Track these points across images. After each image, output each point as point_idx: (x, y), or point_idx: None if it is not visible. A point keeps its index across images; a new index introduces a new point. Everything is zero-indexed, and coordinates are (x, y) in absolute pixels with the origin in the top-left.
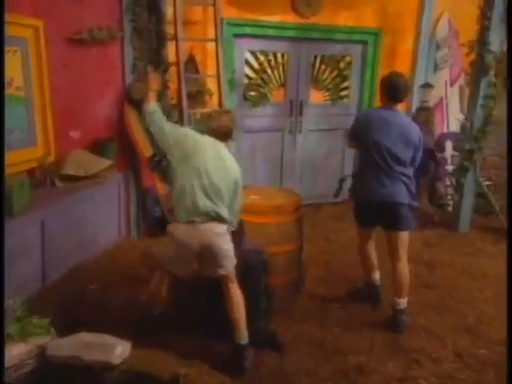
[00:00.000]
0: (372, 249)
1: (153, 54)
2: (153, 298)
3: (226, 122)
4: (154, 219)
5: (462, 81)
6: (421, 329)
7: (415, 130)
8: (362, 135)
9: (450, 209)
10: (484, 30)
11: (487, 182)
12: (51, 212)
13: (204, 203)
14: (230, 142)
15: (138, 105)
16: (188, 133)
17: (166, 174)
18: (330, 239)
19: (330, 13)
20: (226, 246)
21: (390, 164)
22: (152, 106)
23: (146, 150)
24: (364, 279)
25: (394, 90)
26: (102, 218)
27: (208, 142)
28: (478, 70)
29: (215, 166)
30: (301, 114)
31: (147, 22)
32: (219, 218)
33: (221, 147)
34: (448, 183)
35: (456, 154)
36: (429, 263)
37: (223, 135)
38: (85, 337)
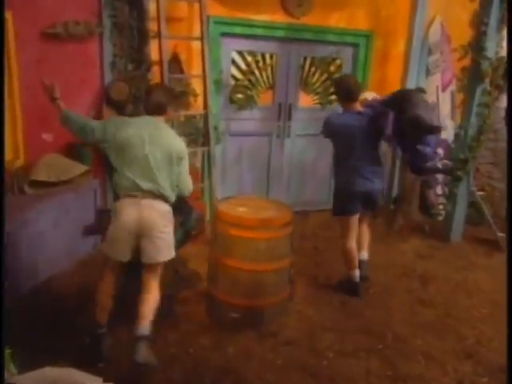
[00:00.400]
0: (354, 244)
1: (134, 51)
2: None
3: (161, 98)
4: None
5: (453, 86)
6: (419, 353)
7: (367, 117)
8: (333, 139)
9: (440, 218)
10: (481, 36)
11: (480, 192)
12: (19, 222)
13: (145, 184)
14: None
15: (117, 106)
16: (117, 125)
17: None
18: (319, 249)
19: (321, 13)
20: (166, 226)
21: (364, 158)
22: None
23: None
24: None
25: (347, 90)
26: (77, 228)
27: (141, 126)
28: (473, 76)
29: (151, 149)
30: (289, 117)
31: (128, 17)
32: (161, 196)
33: (157, 126)
34: (439, 192)
35: (447, 162)
36: (422, 277)
37: (158, 109)
38: (50, 372)
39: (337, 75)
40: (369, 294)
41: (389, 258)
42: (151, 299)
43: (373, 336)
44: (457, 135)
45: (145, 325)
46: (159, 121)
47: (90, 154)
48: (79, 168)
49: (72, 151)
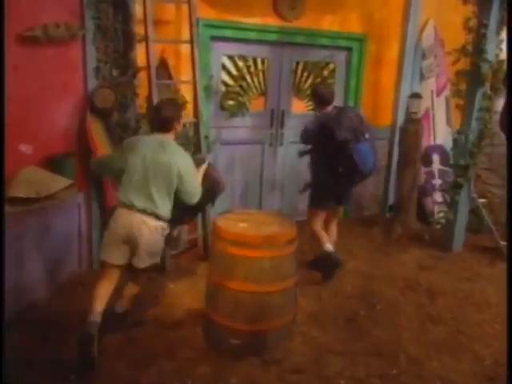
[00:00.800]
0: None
1: (119, 56)
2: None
3: (168, 113)
4: None
5: (448, 91)
6: (436, 377)
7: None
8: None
9: (438, 226)
10: (480, 38)
11: (482, 200)
12: None
13: (140, 202)
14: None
15: (102, 114)
16: (128, 146)
17: None
18: None
19: (313, 17)
20: (152, 240)
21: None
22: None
23: None
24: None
25: (322, 96)
26: (59, 247)
27: (146, 145)
28: (473, 80)
29: (151, 169)
30: (282, 124)
31: (113, 19)
32: (154, 214)
33: (162, 144)
34: (439, 199)
35: (443, 167)
36: (428, 291)
37: (166, 125)
38: None
39: (331, 80)
40: (375, 311)
41: (390, 270)
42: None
43: (385, 359)
44: (456, 141)
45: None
46: (166, 138)
47: (73, 165)
48: (61, 182)
49: (53, 163)
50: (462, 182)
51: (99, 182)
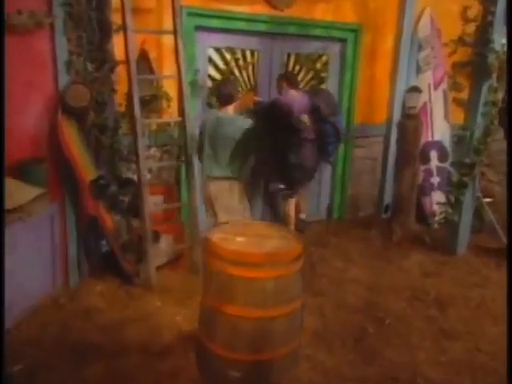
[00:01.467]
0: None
1: (94, 48)
2: None
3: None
4: (100, 255)
5: (445, 84)
6: None
7: None
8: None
9: (436, 226)
10: (486, 27)
11: (487, 199)
12: None
13: (219, 172)
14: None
15: (76, 114)
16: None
17: (114, 202)
18: (318, 272)
19: (306, 5)
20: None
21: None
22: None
23: (87, 171)
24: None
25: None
26: (29, 265)
27: (215, 121)
28: (478, 72)
29: (221, 143)
30: None
31: (86, 6)
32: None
33: (226, 116)
34: (441, 200)
35: (441, 164)
36: (437, 300)
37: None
38: None
39: (324, 73)
40: (384, 327)
41: (393, 278)
42: None
43: None
44: (460, 138)
45: None
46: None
47: (44, 171)
48: (31, 191)
49: (20, 170)
50: (466, 181)
51: (75, 190)
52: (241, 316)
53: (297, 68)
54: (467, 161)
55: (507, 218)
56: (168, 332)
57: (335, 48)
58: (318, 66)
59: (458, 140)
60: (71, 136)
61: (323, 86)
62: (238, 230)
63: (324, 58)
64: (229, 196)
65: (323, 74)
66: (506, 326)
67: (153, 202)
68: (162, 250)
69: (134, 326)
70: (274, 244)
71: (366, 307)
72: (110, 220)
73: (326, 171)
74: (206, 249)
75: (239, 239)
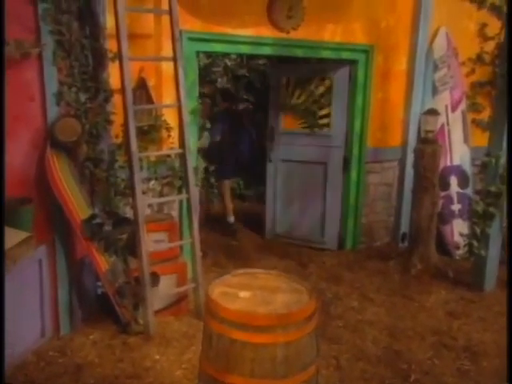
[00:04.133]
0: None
1: (88, 78)
2: None
3: None
4: (94, 299)
5: (463, 105)
6: None
7: None
8: None
9: (458, 257)
10: None
11: None
12: None
13: None
14: None
15: (66, 149)
16: None
17: (109, 242)
18: (332, 314)
19: (313, 27)
20: None
21: None
22: None
23: (79, 210)
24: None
25: None
26: (14, 317)
27: None
28: (501, 92)
29: None
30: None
31: (78, 34)
32: None
33: None
34: (460, 228)
35: (462, 191)
36: (468, 349)
37: None
38: None
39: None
40: (410, 383)
41: (416, 320)
42: None
43: None
44: (485, 164)
45: None
46: None
47: (31, 212)
48: (15, 235)
49: (5, 213)
50: (493, 211)
51: (65, 230)
52: None
53: (297, 92)
54: (493, 189)
55: (507, 227)
56: None
57: (344, 70)
58: (322, 89)
59: (482, 166)
60: (61, 172)
61: (326, 111)
62: (242, 282)
63: (326, 82)
64: None
65: (325, 98)
66: (506, 325)
67: (155, 240)
68: (162, 293)
69: None
70: (284, 299)
71: (388, 357)
72: (104, 262)
73: (335, 197)
74: (206, 307)
75: (243, 294)
